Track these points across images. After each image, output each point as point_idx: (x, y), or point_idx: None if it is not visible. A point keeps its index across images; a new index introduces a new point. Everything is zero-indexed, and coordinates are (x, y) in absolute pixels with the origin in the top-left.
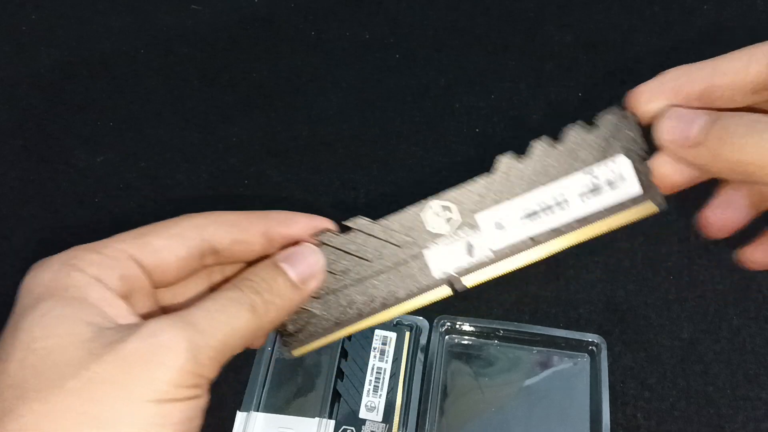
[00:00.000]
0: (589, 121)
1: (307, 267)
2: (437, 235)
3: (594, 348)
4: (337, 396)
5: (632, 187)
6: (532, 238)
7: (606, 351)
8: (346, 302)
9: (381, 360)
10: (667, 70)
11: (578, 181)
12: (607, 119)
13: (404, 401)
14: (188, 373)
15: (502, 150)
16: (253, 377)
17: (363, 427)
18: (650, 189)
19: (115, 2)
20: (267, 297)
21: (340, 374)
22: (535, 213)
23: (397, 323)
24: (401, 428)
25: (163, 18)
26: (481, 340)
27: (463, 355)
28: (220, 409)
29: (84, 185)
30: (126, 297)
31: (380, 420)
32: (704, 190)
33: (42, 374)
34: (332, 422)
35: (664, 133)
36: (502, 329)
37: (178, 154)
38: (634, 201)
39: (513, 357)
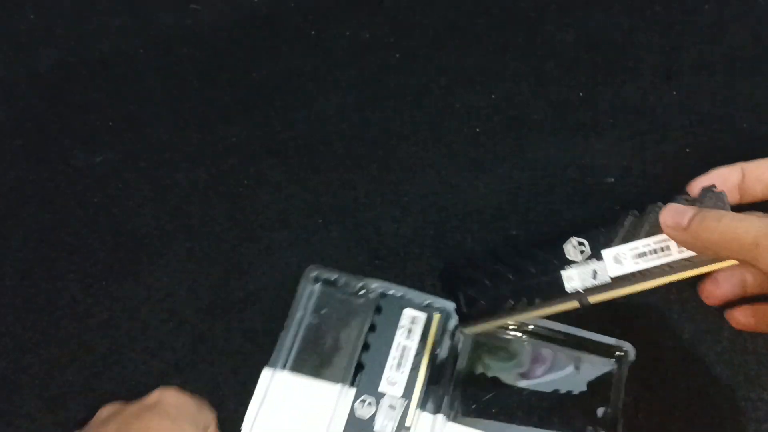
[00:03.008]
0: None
1: None
2: (572, 262)
3: (622, 354)
4: (360, 366)
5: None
6: (641, 272)
7: (634, 358)
8: (503, 299)
9: (408, 338)
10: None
11: None
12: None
13: (425, 382)
14: None
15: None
16: (282, 336)
17: (382, 400)
18: None
19: (115, 2)
20: None
21: (366, 346)
22: (644, 254)
23: (428, 305)
24: (419, 407)
25: (162, 18)
26: (510, 333)
27: (489, 345)
28: (245, 365)
29: (83, 185)
30: None
31: (400, 395)
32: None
33: None
34: (353, 390)
35: (666, 220)
36: (533, 325)
37: (178, 154)
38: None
39: (538, 354)
